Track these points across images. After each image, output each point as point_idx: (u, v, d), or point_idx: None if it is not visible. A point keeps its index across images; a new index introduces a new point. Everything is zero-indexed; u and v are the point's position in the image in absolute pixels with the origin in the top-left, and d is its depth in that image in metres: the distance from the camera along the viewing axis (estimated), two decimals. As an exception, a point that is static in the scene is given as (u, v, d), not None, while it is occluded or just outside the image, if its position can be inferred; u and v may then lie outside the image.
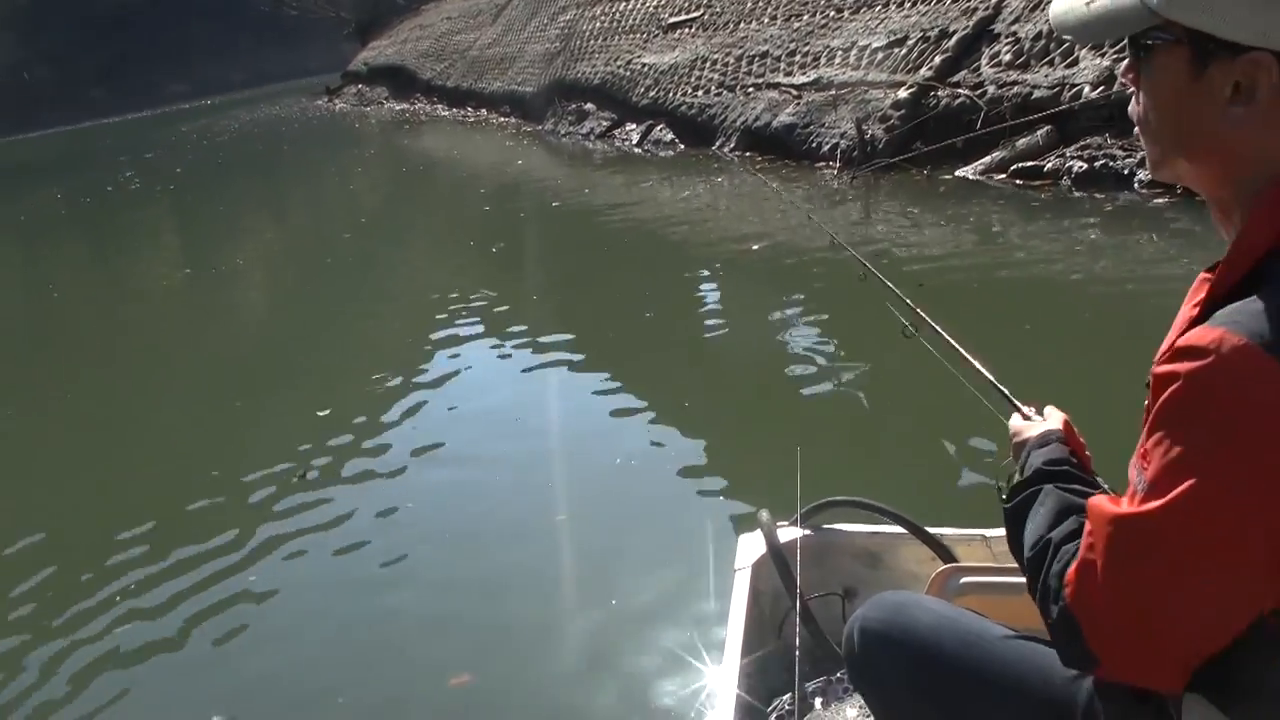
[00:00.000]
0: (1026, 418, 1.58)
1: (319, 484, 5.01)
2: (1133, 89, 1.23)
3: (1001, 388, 1.80)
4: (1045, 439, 1.46)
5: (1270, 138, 1.10)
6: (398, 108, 31.36)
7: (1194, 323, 1.10)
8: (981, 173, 8.95)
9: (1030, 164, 8.49)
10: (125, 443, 6.26)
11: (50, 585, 4.37)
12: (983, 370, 1.89)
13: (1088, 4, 1.20)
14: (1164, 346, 1.13)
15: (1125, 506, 1.09)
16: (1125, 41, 1.20)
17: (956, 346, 2.01)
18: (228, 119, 43.12)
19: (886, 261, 7.12)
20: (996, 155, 8.93)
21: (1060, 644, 1.19)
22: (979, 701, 1.48)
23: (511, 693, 3.22)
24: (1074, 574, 1.14)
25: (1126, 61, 1.23)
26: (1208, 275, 1.19)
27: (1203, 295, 1.14)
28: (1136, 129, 1.25)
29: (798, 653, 2.10)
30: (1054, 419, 1.53)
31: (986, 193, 8.54)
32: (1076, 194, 7.84)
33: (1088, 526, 1.14)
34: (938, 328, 2.11)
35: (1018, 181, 8.48)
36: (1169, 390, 1.05)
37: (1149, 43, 1.15)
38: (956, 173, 9.16)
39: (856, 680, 1.69)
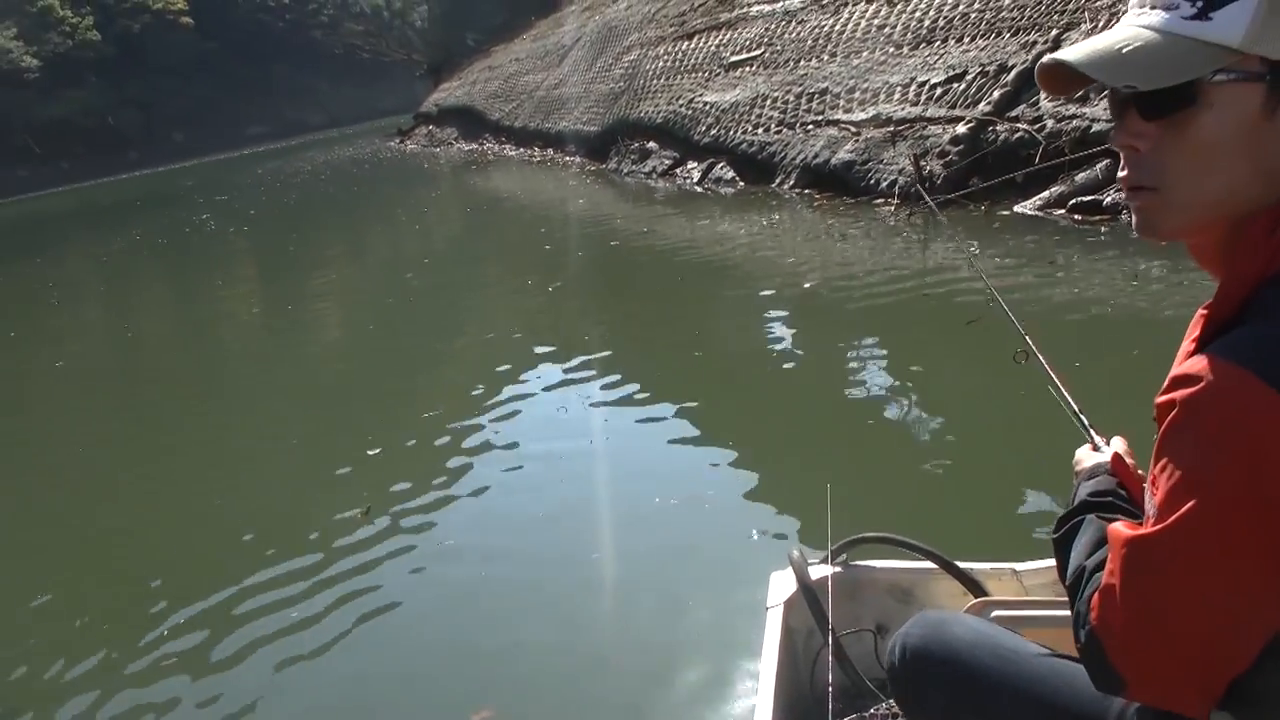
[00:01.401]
0: (1096, 448, 1.63)
1: (370, 521, 5.07)
2: (1135, 147, 1.19)
3: (1082, 417, 1.84)
4: (1094, 471, 1.52)
5: None
6: (466, 148, 31.83)
7: (1192, 355, 1.12)
8: (1040, 208, 8.83)
9: (1089, 198, 8.35)
10: (189, 477, 6.41)
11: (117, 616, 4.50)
12: (1069, 399, 1.94)
13: (1124, 49, 1.15)
14: (1168, 380, 1.14)
15: (1139, 530, 1.13)
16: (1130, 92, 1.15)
17: (1050, 373, 2.04)
18: (302, 160, 44.07)
19: (944, 291, 7.10)
20: (1055, 190, 8.81)
21: (1090, 667, 1.22)
22: (1014, 714, 1.54)
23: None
24: (1098, 598, 1.18)
25: (1126, 122, 1.19)
26: (1205, 310, 1.22)
27: (1200, 329, 1.19)
28: (1132, 189, 1.21)
29: (830, 689, 2.11)
30: (1108, 451, 1.57)
31: (1045, 228, 8.41)
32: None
33: (1109, 551, 1.18)
34: (1040, 357, 2.13)
35: (1076, 216, 8.34)
36: (1169, 418, 1.09)
37: (1202, 85, 1.11)
38: (1015, 208, 9.05)
39: (898, 694, 1.74)
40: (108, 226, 30.91)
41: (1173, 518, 1.07)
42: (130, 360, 11.19)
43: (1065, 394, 1.97)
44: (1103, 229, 7.88)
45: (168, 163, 70.73)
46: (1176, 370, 1.10)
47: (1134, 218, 1.23)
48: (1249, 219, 1.14)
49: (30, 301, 17.19)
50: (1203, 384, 1.05)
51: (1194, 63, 1.11)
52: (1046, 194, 8.89)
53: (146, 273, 19.46)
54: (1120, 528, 1.17)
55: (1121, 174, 1.23)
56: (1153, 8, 1.16)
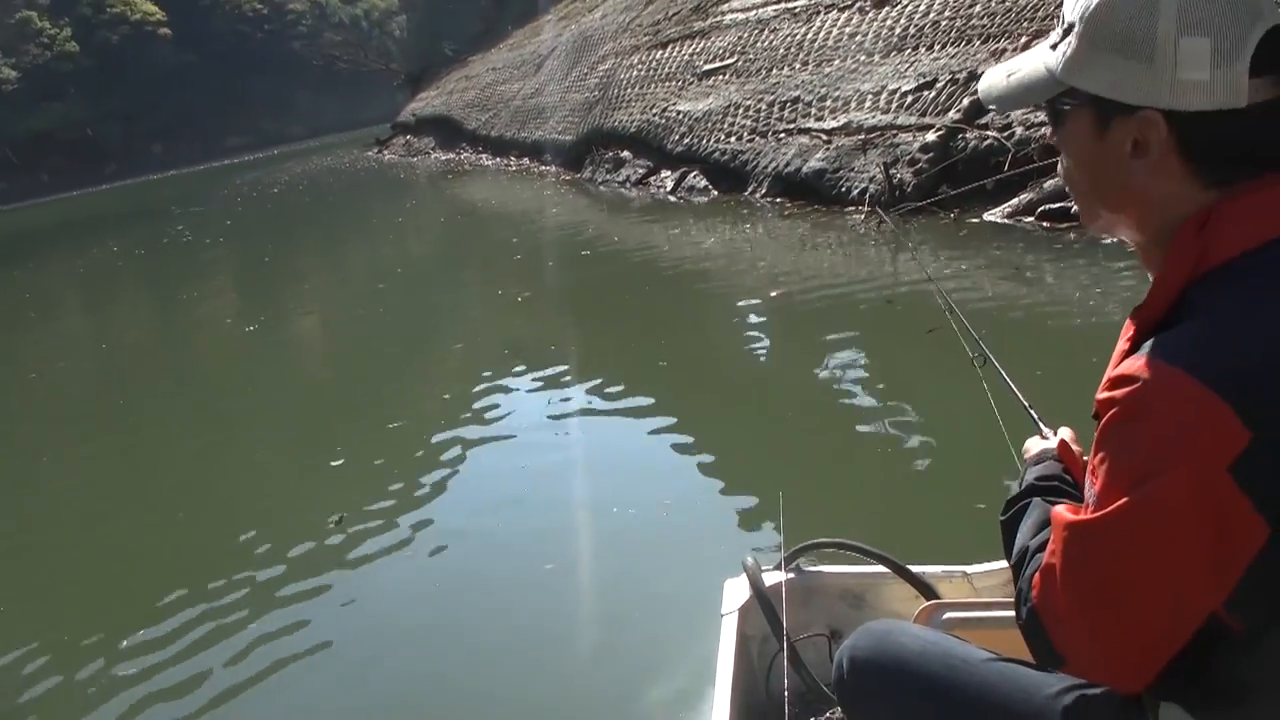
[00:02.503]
0: (1044, 439, 1.70)
1: (344, 530, 5.06)
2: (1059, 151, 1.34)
3: (1031, 411, 1.93)
4: (1041, 457, 1.61)
5: (1168, 186, 1.20)
6: (443, 157, 31.75)
7: (1126, 355, 1.20)
8: (1009, 215, 8.81)
9: (1057, 205, 8.32)
10: (161, 485, 6.41)
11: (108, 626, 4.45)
12: (1017, 392, 2.05)
13: (1008, 77, 1.34)
14: (1104, 379, 1.20)
15: (1079, 516, 1.19)
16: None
17: (999, 370, 2.17)
18: (280, 171, 44.02)
19: (909, 298, 7.09)
20: (1024, 197, 8.79)
21: (1030, 643, 1.27)
22: None
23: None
24: (1039, 577, 1.24)
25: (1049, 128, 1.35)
26: (1137, 311, 1.28)
27: (1132, 331, 1.24)
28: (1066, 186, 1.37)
29: (786, 694, 2.11)
30: (1055, 439, 1.65)
31: (1015, 235, 8.39)
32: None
33: (1051, 533, 1.25)
34: (991, 358, 2.26)
35: (1045, 224, 8.32)
36: (1109, 414, 1.15)
37: (1062, 108, 1.27)
38: (985, 215, 9.03)
39: (846, 707, 1.73)
40: (86, 238, 30.80)
41: (1111, 507, 1.13)
42: (104, 371, 11.18)
43: (1014, 388, 2.08)
44: (1071, 235, 7.86)
45: (147, 174, 70.52)
46: (1114, 371, 1.17)
47: None
48: (1179, 223, 1.20)
49: (7, 314, 17.17)
50: (1140, 383, 1.11)
51: (1040, 89, 1.28)
52: (1015, 201, 8.87)
53: (122, 284, 19.41)
54: (1063, 511, 1.23)
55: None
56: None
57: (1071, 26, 1.22)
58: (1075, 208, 1.38)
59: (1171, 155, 1.18)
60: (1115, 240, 7.56)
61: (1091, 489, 1.18)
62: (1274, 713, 1.17)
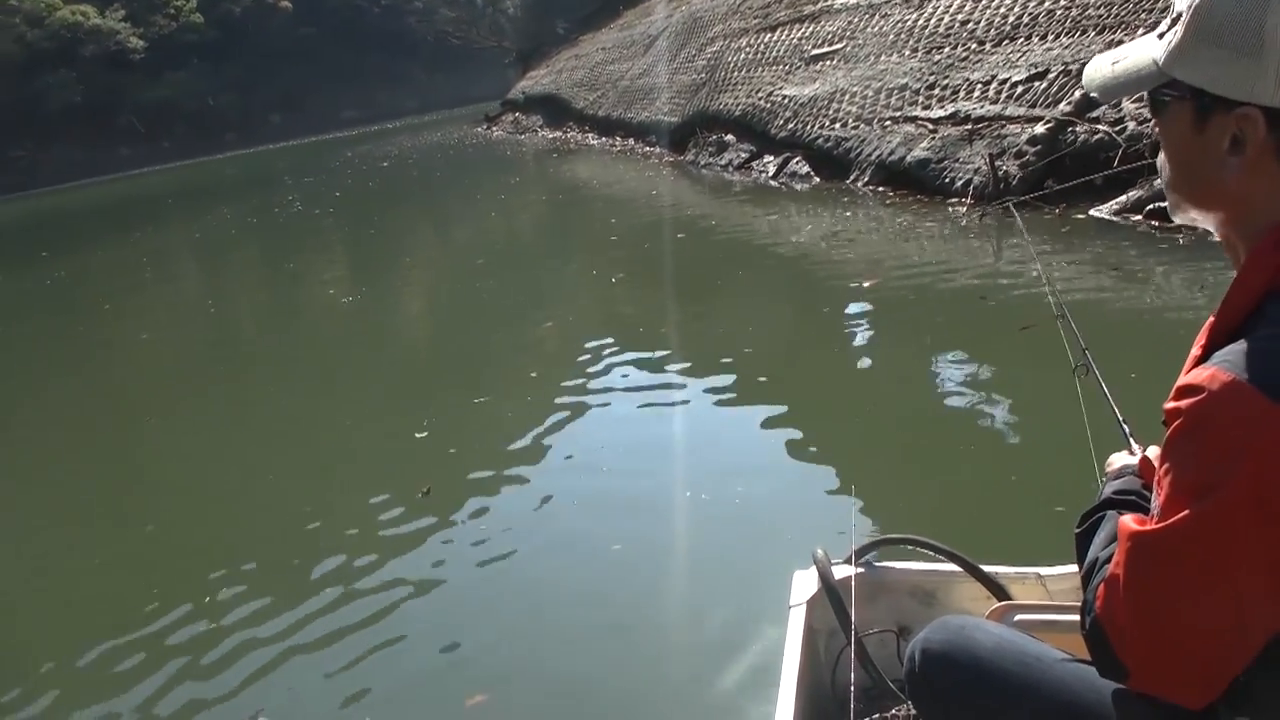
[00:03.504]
0: (1131, 454, 1.70)
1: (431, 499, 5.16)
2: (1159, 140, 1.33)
3: (1124, 425, 1.92)
4: (1122, 472, 1.62)
5: (1261, 188, 1.20)
6: (550, 135, 31.95)
7: (1197, 363, 1.20)
8: (1116, 212, 8.55)
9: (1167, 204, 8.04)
10: (255, 448, 6.69)
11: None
12: (1114, 405, 2.04)
13: (1113, 65, 1.33)
14: (1174, 388, 1.19)
15: (1143, 526, 1.19)
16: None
17: (1099, 380, 2.15)
18: (391, 144, 44.67)
19: (1005, 294, 6.94)
20: (1133, 194, 8.51)
21: (1094, 653, 1.28)
22: None
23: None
24: (1103, 588, 1.25)
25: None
26: (1212, 319, 1.27)
27: (1206, 337, 1.24)
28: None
29: (853, 689, 2.09)
30: (1139, 454, 1.65)
31: (1121, 233, 8.14)
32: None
33: (1117, 544, 1.24)
34: (1094, 367, 2.23)
35: (1153, 222, 8.03)
36: (1174, 425, 1.15)
37: (1163, 99, 1.27)
38: (1091, 212, 8.78)
39: (917, 700, 1.71)
40: (203, 205, 31.68)
41: (1173, 518, 1.13)
42: (208, 337, 11.55)
43: (1111, 400, 2.07)
44: (1179, 236, 7.58)
45: (264, 144, 72.10)
46: (1182, 380, 1.17)
47: None
48: (1264, 232, 1.20)
49: (127, 276, 17.80)
50: (1205, 394, 1.11)
51: (1145, 78, 1.27)
52: (1124, 198, 8.60)
53: (234, 251, 19.93)
54: (1128, 521, 1.23)
55: None
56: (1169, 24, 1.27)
57: (1179, 16, 1.21)
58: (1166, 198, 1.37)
59: (1268, 156, 1.18)
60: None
61: (1156, 500, 1.19)
62: None
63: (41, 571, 5.27)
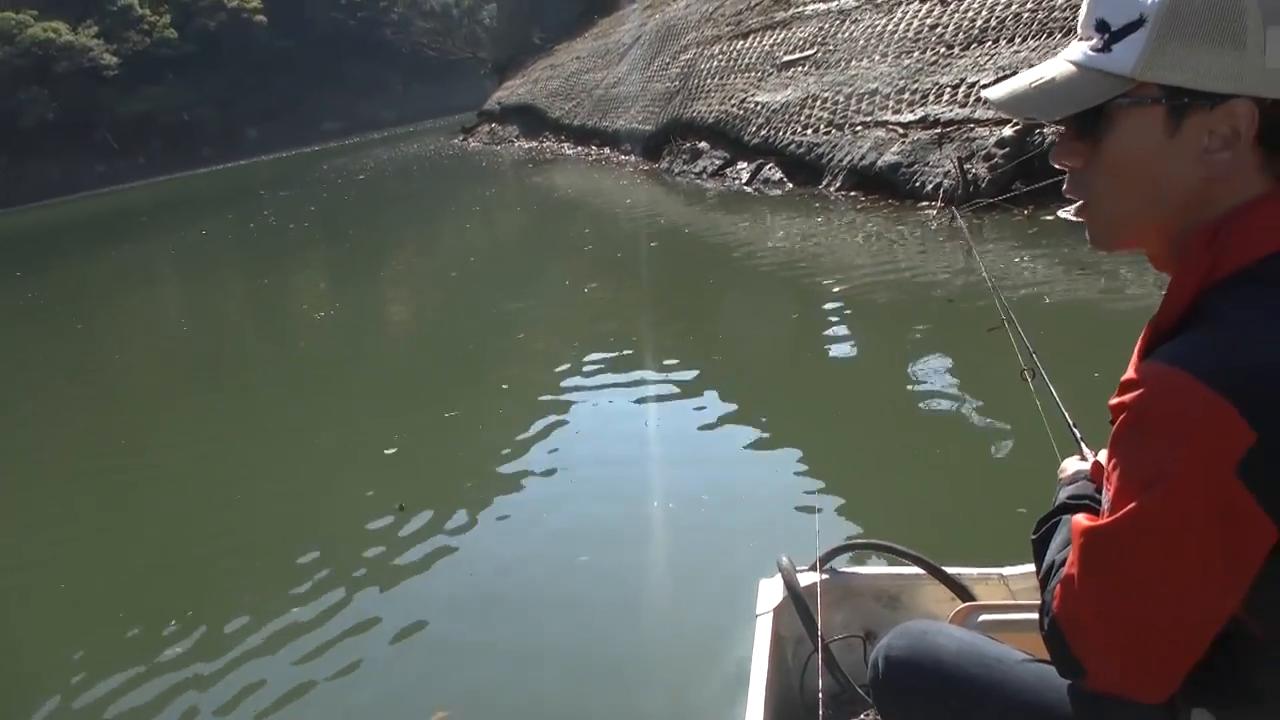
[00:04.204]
0: (1084, 458, 1.71)
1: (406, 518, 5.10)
2: (1078, 164, 1.27)
3: (1075, 429, 1.92)
4: (1075, 477, 1.63)
5: (1235, 180, 1.18)
6: (526, 145, 31.95)
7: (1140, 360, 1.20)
8: (1085, 213, 8.58)
9: (1134, 204, 8.08)
10: (227, 464, 6.66)
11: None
12: (1064, 411, 2.04)
13: (1032, 85, 1.26)
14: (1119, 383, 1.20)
15: (1094, 522, 1.19)
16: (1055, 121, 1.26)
17: (1049, 386, 2.15)
18: (367, 157, 44.67)
19: (972, 297, 6.96)
20: (1100, 195, 8.55)
21: (1053, 653, 1.28)
22: None
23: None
24: (1059, 587, 1.25)
25: (1063, 141, 1.28)
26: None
27: (1147, 338, 1.24)
28: (1075, 206, 1.31)
29: (821, 695, 2.09)
30: (1091, 459, 1.65)
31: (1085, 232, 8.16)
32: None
33: (1071, 543, 1.24)
34: (1044, 374, 2.23)
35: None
36: (1118, 420, 1.15)
37: (1116, 108, 1.20)
38: (1059, 213, 8.80)
39: (882, 707, 1.71)
40: (178, 221, 31.61)
41: (1122, 512, 1.14)
42: (181, 354, 11.54)
43: (1061, 406, 2.07)
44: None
45: (241, 158, 72.03)
46: (1125, 375, 1.17)
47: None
48: (1193, 231, 1.20)
49: (101, 294, 17.84)
50: (1145, 387, 1.12)
51: (1095, 91, 1.21)
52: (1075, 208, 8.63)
53: (209, 267, 19.85)
54: (1080, 519, 1.22)
55: (1065, 188, 1.32)
56: (1081, 40, 1.25)
57: (1137, 22, 1.17)
58: (1091, 227, 1.31)
59: (1250, 148, 1.17)
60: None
61: (1106, 496, 1.18)
62: None
63: (11, 592, 5.22)
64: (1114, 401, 1.17)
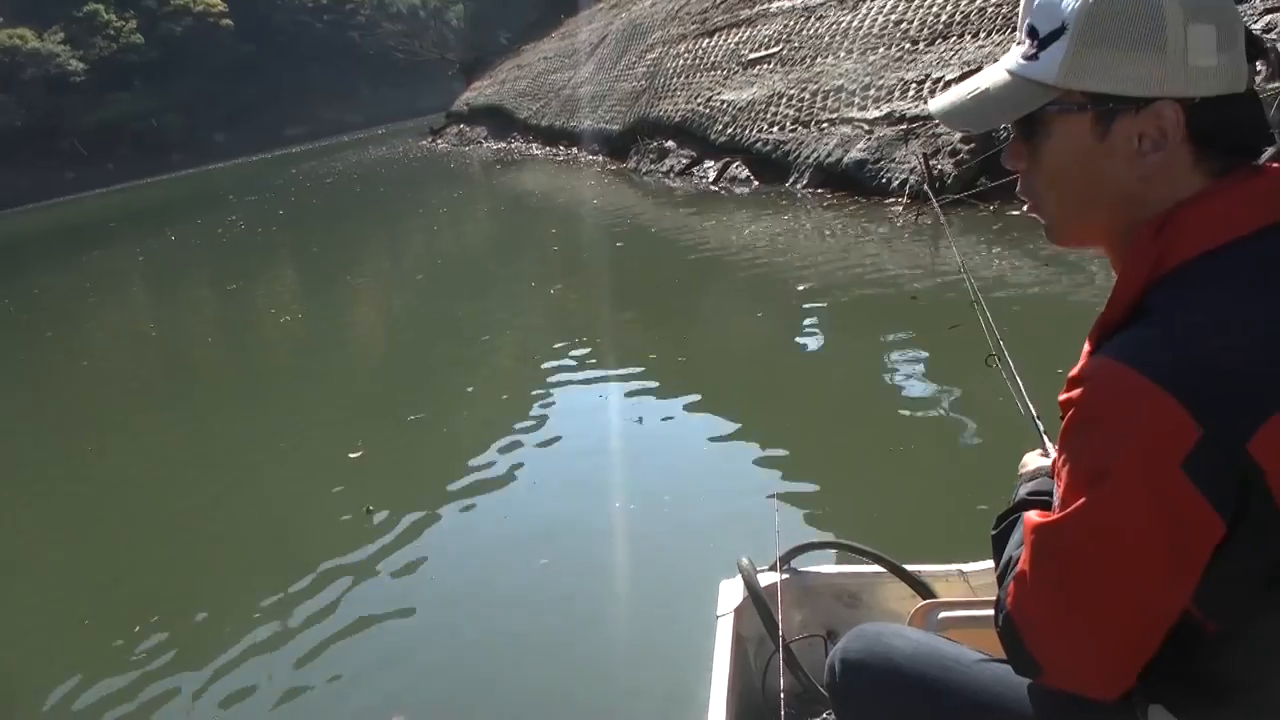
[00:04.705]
0: (1046, 453, 1.71)
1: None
2: (1021, 166, 1.31)
3: (1039, 423, 1.93)
4: (1036, 473, 1.62)
5: (1173, 179, 1.18)
6: (495, 146, 31.85)
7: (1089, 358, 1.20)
8: (1050, 208, 8.59)
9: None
10: (193, 469, 6.64)
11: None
12: (1029, 404, 2.06)
13: (970, 95, 1.29)
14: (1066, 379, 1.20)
15: (1044, 518, 1.19)
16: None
17: (1015, 379, 2.16)
18: (336, 160, 44.46)
19: (937, 293, 6.98)
20: (1065, 189, 8.57)
21: (1008, 651, 1.28)
22: None
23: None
24: (1013, 584, 1.25)
25: (1010, 145, 1.31)
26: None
27: (1096, 335, 1.23)
28: (1027, 206, 1.35)
29: (783, 695, 2.09)
30: (1053, 454, 1.57)
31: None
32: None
33: (1023, 540, 1.24)
34: (1009, 361, 2.23)
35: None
36: (1066, 416, 1.16)
37: (1047, 114, 1.22)
38: (1025, 208, 8.80)
39: (839, 710, 1.71)
40: (146, 227, 31.46)
41: (1070, 508, 1.14)
42: (149, 360, 11.55)
43: (1026, 400, 2.08)
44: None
45: (210, 163, 71.47)
46: (1073, 371, 1.17)
47: None
48: (1141, 225, 1.20)
49: (70, 301, 17.70)
50: (1091, 382, 1.13)
51: (1024, 100, 1.23)
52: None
53: (176, 273, 19.77)
54: (1032, 515, 1.22)
55: (1017, 190, 1.35)
56: (1017, 45, 1.26)
57: (1059, 30, 1.18)
58: (1045, 225, 1.34)
59: (1181, 146, 1.17)
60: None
61: (1057, 491, 1.19)
62: (1252, 712, 1.17)
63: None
64: (1062, 397, 1.17)
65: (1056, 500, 1.19)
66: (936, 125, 10.66)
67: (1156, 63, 1.13)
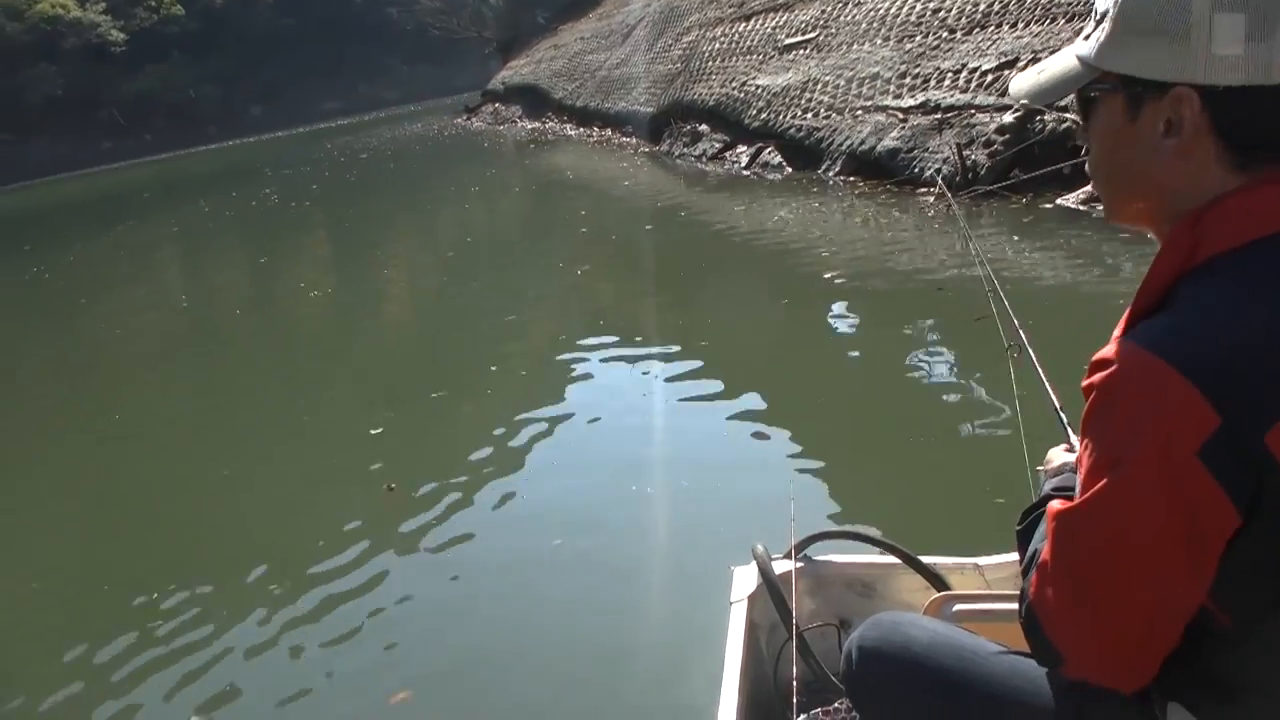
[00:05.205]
0: (1070, 449, 1.69)
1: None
2: (1086, 145, 1.33)
3: (1063, 415, 1.93)
4: (1061, 469, 1.61)
5: (1198, 169, 1.19)
6: (529, 126, 31.84)
7: None
8: (1084, 201, 8.52)
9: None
10: (220, 442, 6.66)
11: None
12: (1054, 398, 2.05)
13: (1039, 74, 1.34)
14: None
15: (1066, 505, 1.20)
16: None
17: (1039, 371, 2.16)
18: (370, 136, 44.53)
19: (964, 284, 6.91)
20: (1100, 183, 8.47)
21: (1030, 640, 1.28)
22: (974, 714, 1.52)
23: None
24: (1036, 573, 1.24)
25: (1080, 123, 1.34)
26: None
27: (1124, 321, 1.24)
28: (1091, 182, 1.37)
29: (795, 683, 2.07)
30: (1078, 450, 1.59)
31: (1086, 221, 8.11)
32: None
33: (1046, 528, 1.24)
34: (1032, 354, 2.24)
35: (1118, 211, 7.99)
36: (1089, 400, 1.16)
37: (1092, 95, 1.26)
38: (1058, 201, 8.75)
39: (855, 698, 1.71)
40: (182, 198, 31.62)
41: (1090, 492, 1.14)
42: (179, 331, 11.65)
43: (1051, 393, 2.08)
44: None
45: (246, 136, 71.71)
46: (1097, 355, 1.17)
47: None
48: (1181, 216, 1.20)
49: (105, 270, 17.94)
50: (1115, 367, 1.13)
51: (1072, 78, 1.27)
52: (1090, 186, 8.56)
53: (209, 244, 19.88)
54: (1055, 504, 1.23)
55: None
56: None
57: (1105, 14, 1.21)
58: (1102, 203, 1.37)
59: (1203, 135, 1.17)
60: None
61: (1079, 477, 1.18)
62: (1269, 710, 1.16)
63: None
64: (1085, 382, 1.18)
65: (1077, 486, 1.19)
66: (971, 115, 10.59)
67: (1178, 48, 1.14)
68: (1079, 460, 1.19)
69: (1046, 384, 2.08)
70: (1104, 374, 1.14)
